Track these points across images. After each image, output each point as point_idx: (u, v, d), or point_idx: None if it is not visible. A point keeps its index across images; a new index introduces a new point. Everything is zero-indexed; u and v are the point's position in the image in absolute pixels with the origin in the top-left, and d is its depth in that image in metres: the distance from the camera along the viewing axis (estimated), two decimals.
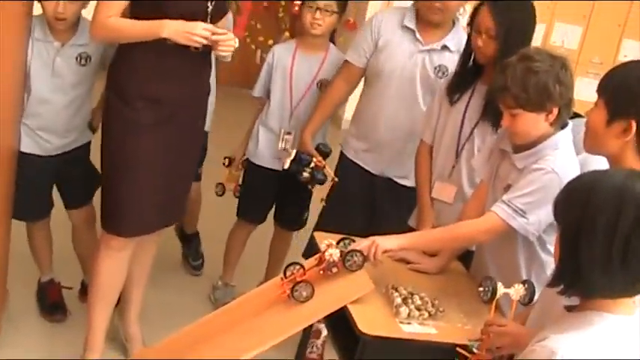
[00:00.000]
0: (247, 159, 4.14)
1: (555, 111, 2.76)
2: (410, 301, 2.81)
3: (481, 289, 2.61)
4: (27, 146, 3.53)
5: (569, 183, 2.09)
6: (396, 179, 3.82)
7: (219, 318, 3.05)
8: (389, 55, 3.68)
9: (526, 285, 2.54)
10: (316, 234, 3.23)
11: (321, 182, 3.71)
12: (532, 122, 2.79)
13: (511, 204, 2.77)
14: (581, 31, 7.49)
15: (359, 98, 3.87)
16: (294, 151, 3.72)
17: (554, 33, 7.56)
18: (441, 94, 3.46)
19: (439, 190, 3.46)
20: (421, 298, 2.84)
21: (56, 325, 3.91)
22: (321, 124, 3.92)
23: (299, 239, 4.16)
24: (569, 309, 2.04)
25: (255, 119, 4.12)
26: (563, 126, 2.84)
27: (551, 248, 2.88)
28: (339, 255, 2.83)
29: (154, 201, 3.37)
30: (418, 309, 2.78)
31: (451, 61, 3.61)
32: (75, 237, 3.99)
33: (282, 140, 3.98)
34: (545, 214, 2.77)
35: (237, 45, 3.29)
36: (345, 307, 2.75)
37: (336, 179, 3.66)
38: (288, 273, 2.88)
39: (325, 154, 3.77)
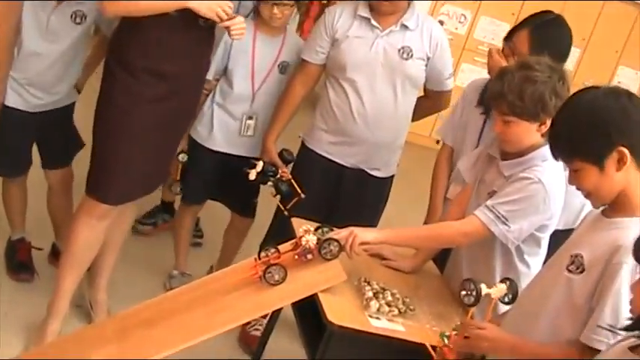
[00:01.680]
0: (193, 141, 3.97)
1: (548, 122, 2.73)
2: (381, 296, 2.79)
3: (464, 292, 2.57)
4: (11, 100, 3.46)
5: None
6: (368, 170, 3.78)
7: (187, 294, 3.03)
8: (349, 47, 3.63)
9: (508, 283, 2.51)
10: (294, 220, 3.20)
11: (285, 194, 3.66)
12: (524, 131, 2.78)
13: (494, 210, 2.76)
14: (578, 53, 7.49)
15: (323, 91, 3.79)
16: (261, 163, 3.66)
17: None
18: (465, 97, 3.46)
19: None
20: (392, 295, 2.82)
21: (22, 285, 3.86)
22: (282, 129, 3.86)
23: None
24: (633, 349, 1.95)
25: (202, 102, 3.91)
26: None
27: (529, 259, 2.91)
28: (315, 242, 2.80)
29: (142, 170, 3.34)
30: (388, 305, 2.76)
31: (414, 40, 3.61)
32: (50, 199, 3.94)
33: (245, 126, 3.89)
34: (527, 224, 2.76)
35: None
36: (316, 295, 2.73)
37: (303, 195, 3.61)
38: (262, 255, 2.85)
39: (288, 162, 3.73)
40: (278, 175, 3.67)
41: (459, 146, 3.51)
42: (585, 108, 2.30)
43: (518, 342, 2.37)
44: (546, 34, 3.27)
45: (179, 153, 3.88)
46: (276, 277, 2.77)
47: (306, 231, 2.85)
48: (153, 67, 3.20)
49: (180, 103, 3.34)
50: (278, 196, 3.70)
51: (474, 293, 2.51)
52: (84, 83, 3.71)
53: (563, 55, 3.22)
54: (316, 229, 2.89)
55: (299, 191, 3.60)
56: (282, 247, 2.89)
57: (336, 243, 2.80)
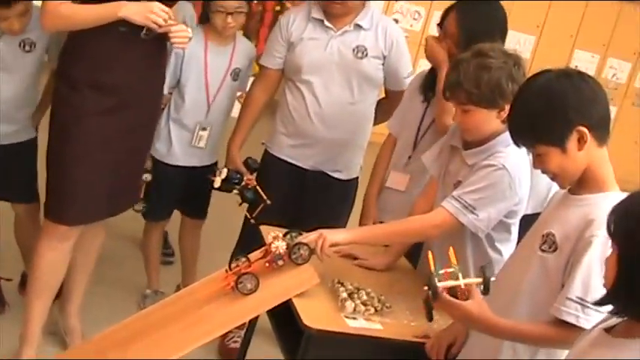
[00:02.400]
0: (154, 159, 3.91)
1: (507, 108, 2.72)
2: (356, 296, 2.77)
3: (425, 287, 2.54)
4: None
5: (630, 198, 1.92)
6: (329, 172, 3.77)
7: (161, 311, 2.99)
8: (303, 50, 3.64)
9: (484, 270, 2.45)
10: (262, 227, 3.17)
11: (251, 202, 3.65)
12: (484, 119, 2.78)
13: (461, 199, 2.75)
14: (534, 40, 7.53)
15: (282, 96, 3.78)
16: (226, 170, 3.65)
17: (508, 41, 7.58)
18: (411, 89, 3.47)
19: (393, 179, 3.48)
20: (367, 294, 2.80)
21: None
22: (245, 137, 3.86)
23: None
24: (608, 330, 1.93)
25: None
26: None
27: (500, 246, 2.90)
28: (285, 247, 2.78)
29: (99, 189, 3.30)
30: (364, 304, 2.74)
31: (368, 40, 3.62)
32: (17, 228, 3.88)
33: (197, 137, 3.86)
34: (495, 211, 2.76)
35: (191, 36, 3.25)
36: (290, 300, 2.71)
37: (269, 202, 3.60)
38: (233, 265, 2.82)
39: (253, 169, 3.73)
40: (243, 183, 3.65)
41: (399, 135, 3.53)
42: (540, 92, 2.29)
43: (497, 321, 2.35)
44: (472, 11, 3.27)
45: (143, 174, 3.85)
46: (249, 286, 2.74)
47: (275, 237, 2.82)
48: (97, 81, 3.18)
49: (134, 118, 3.30)
50: (245, 205, 3.69)
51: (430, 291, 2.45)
52: (40, 118, 3.66)
53: (498, 33, 3.23)
54: (285, 235, 2.87)
55: (264, 198, 3.59)
56: (253, 256, 2.86)
57: (306, 247, 2.78)
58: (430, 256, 2.37)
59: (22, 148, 3.62)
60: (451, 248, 2.42)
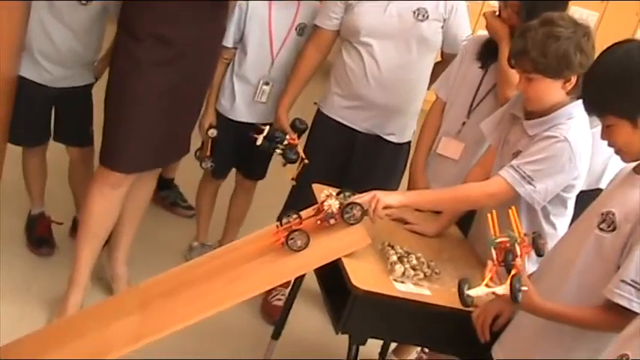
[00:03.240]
0: (220, 115, 3.92)
1: (573, 79, 2.69)
2: (406, 260, 2.75)
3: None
4: (25, 72, 3.46)
5: None
6: (382, 135, 3.73)
7: (208, 263, 3.00)
8: (362, 11, 3.57)
9: (534, 239, 2.41)
10: (314, 185, 3.15)
11: (293, 161, 3.60)
12: (548, 89, 2.72)
13: (519, 170, 2.70)
14: (597, 17, 7.38)
15: (339, 57, 3.73)
16: (267, 128, 3.61)
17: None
18: (465, 53, 3.40)
19: (445, 146, 3.40)
20: (417, 259, 2.78)
21: (43, 259, 3.85)
22: (295, 97, 3.82)
23: None
24: None
25: (221, 72, 3.86)
26: (580, 96, 2.76)
27: (555, 220, 2.85)
28: (338, 206, 2.76)
29: (154, 139, 3.31)
30: (413, 269, 2.71)
31: (429, 2, 3.55)
32: (71, 172, 3.93)
33: (260, 92, 3.83)
34: (553, 184, 2.71)
35: None
36: (339, 260, 2.69)
37: (306, 161, 3.56)
38: (284, 221, 2.81)
39: (301, 131, 3.67)
40: (286, 142, 3.62)
41: (452, 100, 3.44)
42: (620, 61, 2.24)
43: (544, 304, 2.32)
44: None
45: (208, 128, 3.85)
46: (299, 242, 2.73)
47: (328, 195, 2.80)
48: (158, 32, 3.16)
49: (190, 70, 3.29)
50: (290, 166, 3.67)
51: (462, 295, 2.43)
52: (102, 71, 3.65)
53: (560, 3, 3.14)
54: (338, 194, 2.85)
55: (304, 157, 3.55)
56: (304, 213, 2.85)
57: (359, 207, 2.75)
58: (490, 218, 2.34)
59: (78, 92, 3.64)
60: (512, 209, 2.38)
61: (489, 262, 2.39)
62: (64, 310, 3.41)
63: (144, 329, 2.77)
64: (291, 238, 2.73)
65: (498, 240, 2.37)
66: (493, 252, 2.38)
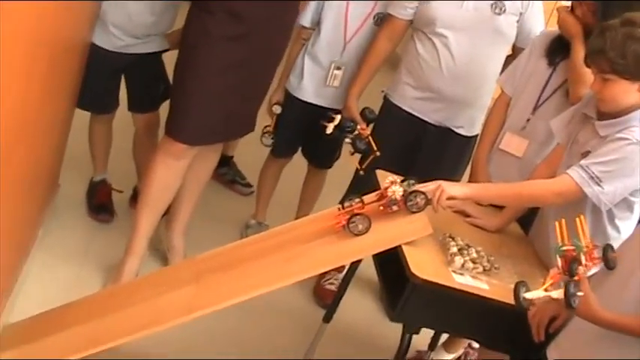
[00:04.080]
0: (287, 92, 3.94)
1: None
2: (466, 252, 2.72)
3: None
4: (97, 39, 3.49)
5: None
6: (453, 128, 3.71)
7: (265, 241, 3.01)
8: (439, 2, 3.54)
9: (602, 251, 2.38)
10: (378, 172, 3.14)
11: (361, 152, 3.59)
12: (623, 90, 2.66)
13: (588, 170, 2.65)
14: None
15: (410, 46, 3.69)
16: (339, 117, 3.58)
17: None
18: (533, 48, 3.34)
19: (509, 142, 3.35)
20: (477, 252, 2.75)
21: (101, 226, 3.90)
22: (365, 86, 3.79)
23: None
24: None
25: (297, 51, 3.89)
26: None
27: (619, 223, 2.80)
28: (402, 193, 2.75)
29: (219, 113, 3.33)
30: (473, 262, 2.69)
31: None
32: (135, 142, 3.97)
33: (331, 76, 3.82)
34: (621, 186, 2.66)
35: None
36: (399, 247, 2.67)
37: (378, 153, 3.54)
38: (346, 204, 2.80)
39: (371, 120, 3.64)
40: (356, 132, 3.60)
41: (517, 96, 3.39)
42: None
43: (602, 313, 2.29)
44: None
45: (273, 104, 3.86)
46: (360, 227, 2.72)
47: (392, 182, 2.79)
48: (231, 7, 3.16)
49: (260, 47, 3.29)
50: (356, 155, 3.66)
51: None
52: (174, 41, 3.65)
53: (637, 3, 3.08)
54: (402, 181, 2.83)
55: (375, 149, 3.54)
56: (367, 198, 2.84)
57: (422, 195, 2.73)
58: (558, 226, 2.31)
59: (149, 58, 3.66)
60: (580, 217, 2.35)
61: (554, 269, 2.38)
62: (119, 276, 3.44)
63: (198, 301, 2.79)
64: (353, 222, 2.72)
65: (565, 248, 2.34)
66: (558, 260, 2.36)
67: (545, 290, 2.35)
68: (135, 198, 3.92)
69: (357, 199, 2.81)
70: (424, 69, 3.60)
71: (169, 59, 3.55)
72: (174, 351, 3.26)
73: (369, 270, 3.32)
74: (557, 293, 2.31)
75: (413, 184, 2.81)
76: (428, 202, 2.74)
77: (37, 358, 2.80)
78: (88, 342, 2.78)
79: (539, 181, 2.88)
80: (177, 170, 3.43)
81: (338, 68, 3.79)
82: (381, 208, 2.77)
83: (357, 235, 2.72)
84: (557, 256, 2.37)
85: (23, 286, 3.22)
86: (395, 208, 2.76)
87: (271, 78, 3.59)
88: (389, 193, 2.76)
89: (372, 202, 2.80)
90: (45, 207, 3.57)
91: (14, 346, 2.87)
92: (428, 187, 2.77)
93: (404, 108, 3.69)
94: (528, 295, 2.37)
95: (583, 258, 2.30)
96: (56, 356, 2.77)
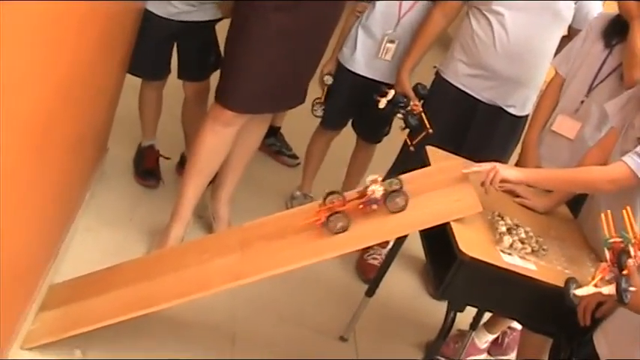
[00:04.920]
0: (339, 64, 3.93)
1: None
2: (514, 232, 2.70)
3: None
4: (152, 5, 3.49)
5: None
6: (504, 107, 3.67)
7: (312, 211, 2.97)
8: None
9: None
10: (429, 148, 3.13)
11: (413, 128, 3.57)
12: None
13: None
14: None
15: (465, 23, 3.66)
16: (392, 92, 3.58)
17: None
18: (590, 30, 3.29)
19: (561, 124, 3.30)
20: (526, 232, 2.73)
21: (148, 191, 3.92)
22: (418, 61, 3.75)
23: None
24: None
25: (351, 23, 3.88)
26: None
27: None
28: (382, 193, 2.74)
29: (270, 83, 3.32)
30: (522, 242, 2.66)
31: None
32: (184, 110, 3.98)
33: (384, 49, 3.79)
34: None
35: None
36: (448, 224, 2.65)
37: (431, 131, 3.52)
38: (328, 200, 2.84)
39: (422, 96, 3.64)
40: (409, 108, 3.58)
41: (571, 78, 3.34)
42: None
43: None
44: None
45: (325, 75, 3.85)
46: (339, 225, 2.74)
47: (373, 181, 2.77)
48: None
49: (312, 18, 3.28)
50: (407, 130, 3.64)
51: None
52: (227, 10, 3.63)
53: None
54: (383, 180, 2.80)
55: (428, 126, 3.52)
56: (348, 195, 2.85)
57: (403, 196, 2.73)
58: (604, 218, 2.28)
59: (201, 26, 3.65)
60: (627, 209, 2.31)
61: (603, 264, 2.35)
62: (164, 241, 3.45)
63: (244, 269, 2.80)
64: (331, 220, 2.74)
65: (612, 240, 2.31)
66: (607, 253, 2.33)
67: (595, 286, 2.33)
68: (182, 165, 3.94)
69: (339, 196, 2.82)
70: (478, 46, 3.56)
71: (221, 29, 3.55)
72: (215, 318, 3.27)
73: (413, 247, 3.32)
74: (608, 289, 2.28)
75: (396, 184, 2.78)
76: (407, 202, 2.73)
77: (81, 318, 2.83)
78: (131, 305, 2.81)
79: (595, 167, 2.82)
80: (226, 137, 3.42)
81: (391, 42, 3.76)
82: (361, 206, 2.76)
83: (335, 233, 2.74)
84: (605, 248, 2.34)
85: (69, 248, 3.24)
86: (375, 207, 2.75)
87: (323, 49, 3.56)
88: (369, 192, 2.75)
89: (353, 199, 2.80)
90: (93, 170, 3.59)
91: (58, 306, 2.91)
92: (483, 167, 2.75)
93: (455, 84, 3.66)
94: (579, 292, 2.36)
95: (632, 250, 2.26)
96: (99, 317, 2.80)
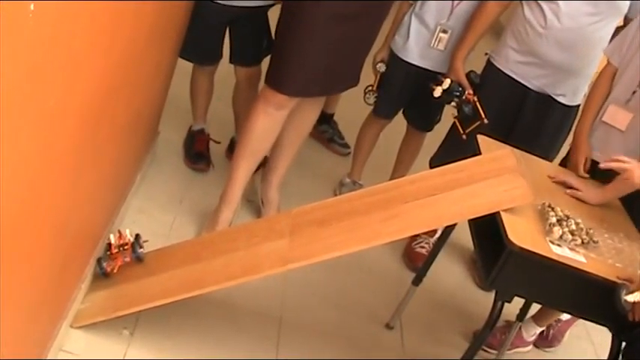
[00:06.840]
0: (391, 52, 3.91)
1: None
2: (565, 223, 2.66)
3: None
4: None
5: None
6: (553, 95, 3.63)
7: (364, 198, 2.98)
8: None
9: None
10: (480, 137, 3.11)
11: (467, 117, 3.55)
12: None
13: None
14: None
15: (518, 10, 3.61)
16: (448, 81, 3.56)
17: None
18: None
19: (612, 115, 3.25)
20: (576, 224, 2.69)
21: (198, 174, 3.95)
22: (471, 49, 3.73)
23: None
24: None
25: (404, 11, 3.85)
26: None
27: None
28: None
29: (321, 66, 3.32)
30: (572, 233, 2.63)
31: None
32: (235, 94, 3.98)
33: (437, 38, 3.77)
34: None
35: None
36: (498, 213, 2.63)
37: (486, 121, 3.49)
38: None
39: (475, 84, 3.62)
40: (463, 97, 3.57)
41: (623, 68, 3.26)
42: None
43: None
44: None
45: (378, 62, 3.84)
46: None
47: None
48: None
49: (364, 5, 3.27)
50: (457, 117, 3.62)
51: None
52: None
53: None
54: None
55: (483, 116, 3.50)
56: None
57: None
58: None
59: (254, 12, 3.66)
60: None
61: None
62: (213, 224, 3.48)
63: (293, 254, 2.81)
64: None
65: None
66: None
67: None
68: (231, 149, 3.96)
69: None
70: (529, 33, 3.53)
71: (273, 15, 3.56)
72: (263, 303, 3.29)
73: (460, 236, 3.31)
74: None
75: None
76: None
77: (130, 298, 2.87)
78: (181, 287, 2.83)
79: None
80: (277, 120, 3.43)
81: (444, 31, 3.74)
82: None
83: None
84: None
85: (120, 228, 3.28)
86: None
87: (376, 34, 3.54)
88: None
89: None
90: (145, 152, 3.62)
91: (107, 287, 2.94)
92: (625, 161, 2.75)
93: (505, 71, 3.63)
94: (630, 298, 2.33)
95: None
96: (148, 298, 2.83)
